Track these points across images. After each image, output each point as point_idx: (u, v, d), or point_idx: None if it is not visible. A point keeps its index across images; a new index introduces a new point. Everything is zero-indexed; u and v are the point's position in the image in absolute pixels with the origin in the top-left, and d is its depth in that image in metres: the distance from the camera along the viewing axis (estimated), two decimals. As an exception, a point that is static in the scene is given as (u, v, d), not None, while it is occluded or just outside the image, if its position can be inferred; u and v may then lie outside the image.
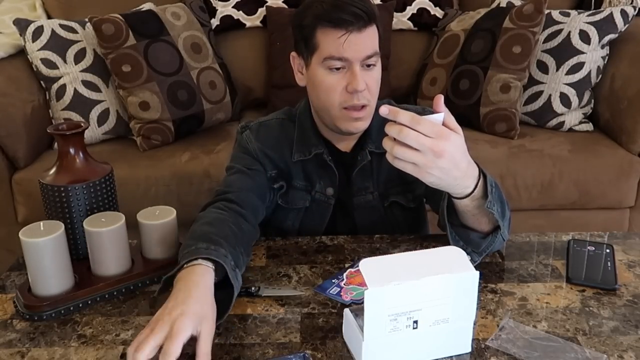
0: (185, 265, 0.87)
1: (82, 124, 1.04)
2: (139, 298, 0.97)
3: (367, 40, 1.04)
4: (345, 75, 1.05)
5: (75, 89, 2.00)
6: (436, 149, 0.80)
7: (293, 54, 1.13)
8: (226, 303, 0.88)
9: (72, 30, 2.06)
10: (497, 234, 0.98)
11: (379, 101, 1.18)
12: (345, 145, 1.18)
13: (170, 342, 0.74)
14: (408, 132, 0.80)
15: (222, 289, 0.88)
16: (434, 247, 0.83)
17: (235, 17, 2.38)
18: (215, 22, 2.35)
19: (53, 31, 2.02)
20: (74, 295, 0.94)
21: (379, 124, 1.18)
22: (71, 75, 2.01)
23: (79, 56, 2.03)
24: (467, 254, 0.96)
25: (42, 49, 1.99)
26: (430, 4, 2.40)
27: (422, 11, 2.40)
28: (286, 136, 1.19)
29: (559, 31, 2.10)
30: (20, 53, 2.05)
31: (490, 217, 0.96)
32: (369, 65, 1.06)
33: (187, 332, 0.75)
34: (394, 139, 0.81)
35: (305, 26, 1.06)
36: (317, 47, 1.06)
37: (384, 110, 0.80)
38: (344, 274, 1.01)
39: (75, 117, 1.99)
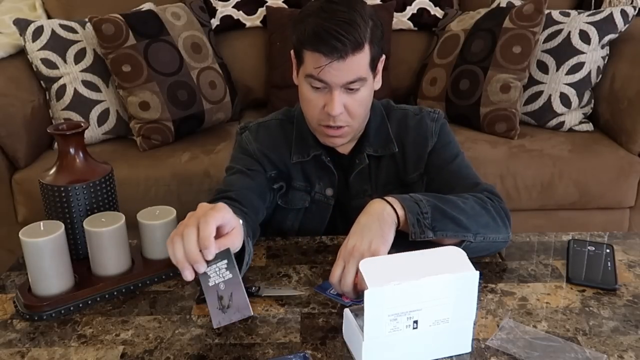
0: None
1: (82, 124, 1.04)
2: (139, 298, 0.97)
3: (351, 66, 1.01)
4: (325, 95, 1.05)
5: (75, 89, 2.00)
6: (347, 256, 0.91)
7: (292, 52, 1.13)
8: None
9: (72, 30, 2.06)
10: (462, 244, 0.97)
11: (378, 101, 1.18)
12: (344, 148, 1.18)
13: (204, 224, 0.78)
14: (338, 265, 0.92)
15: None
16: (434, 247, 0.84)
17: (235, 17, 2.38)
18: (215, 22, 2.35)
19: (53, 31, 2.02)
20: (74, 295, 0.94)
21: (376, 127, 1.18)
22: (71, 75, 2.01)
23: (79, 56, 2.03)
24: None
25: (42, 49, 1.99)
26: (430, 4, 2.40)
27: (422, 11, 2.40)
28: (285, 137, 1.19)
29: (559, 31, 2.10)
30: (20, 53, 2.05)
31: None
32: (352, 89, 1.04)
33: (215, 221, 0.79)
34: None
35: (293, 41, 1.06)
36: (303, 62, 1.05)
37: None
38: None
39: (75, 117, 1.99)
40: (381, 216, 0.95)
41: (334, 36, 0.98)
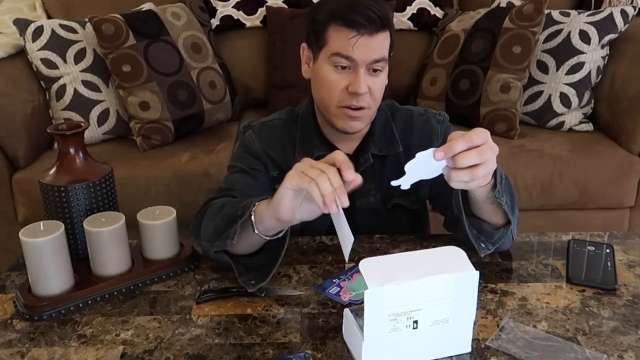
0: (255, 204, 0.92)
1: (82, 124, 1.04)
2: (139, 298, 0.97)
3: (376, 44, 1.03)
4: (349, 75, 1.05)
5: (75, 89, 2.00)
6: (491, 145, 0.82)
7: (303, 45, 1.13)
8: (269, 265, 0.96)
9: (72, 30, 2.06)
10: (509, 227, 1.00)
11: (382, 102, 1.18)
12: (348, 147, 1.18)
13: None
14: (484, 150, 0.80)
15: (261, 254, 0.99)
16: (434, 247, 0.84)
17: (235, 17, 2.38)
18: (215, 22, 2.35)
19: (53, 31, 2.02)
20: (74, 295, 0.94)
21: (381, 126, 1.18)
22: (71, 75, 2.01)
23: (79, 56, 2.03)
24: (482, 242, 0.99)
25: (42, 49, 1.99)
26: (430, 4, 2.40)
27: (422, 11, 2.40)
28: (289, 137, 1.19)
29: (559, 31, 2.10)
30: (20, 53, 2.05)
31: (501, 208, 0.96)
32: (375, 70, 1.06)
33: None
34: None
35: (318, 20, 1.07)
36: (326, 42, 1.06)
37: (440, 155, 0.80)
38: (352, 274, 1.01)
39: (75, 117, 1.99)
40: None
41: (368, 8, 1.01)
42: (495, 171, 0.91)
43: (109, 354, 0.83)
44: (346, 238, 0.82)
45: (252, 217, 0.92)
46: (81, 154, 1.04)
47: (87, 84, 2.03)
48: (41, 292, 0.93)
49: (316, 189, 0.80)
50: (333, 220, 0.83)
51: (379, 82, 1.08)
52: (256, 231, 0.92)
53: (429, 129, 1.19)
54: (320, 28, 1.06)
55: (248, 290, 0.94)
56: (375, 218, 1.20)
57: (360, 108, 1.07)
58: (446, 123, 1.20)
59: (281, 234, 0.95)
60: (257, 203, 0.93)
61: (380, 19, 1.02)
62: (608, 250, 1.06)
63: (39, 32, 2.00)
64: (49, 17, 2.32)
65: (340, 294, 0.96)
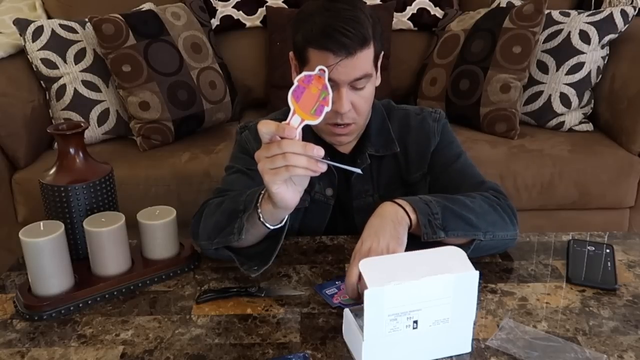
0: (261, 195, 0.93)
1: (82, 124, 1.04)
2: (139, 298, 0.97)
3: (357, 63, 1.01)
4: (332, 94, 1.05)
5: (75, 89, 2.00)
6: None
7: (291, 54, 1.13)
8: (271, 250, 0.96)
9: (72, 30, 2.06)
10: (473, 243, 0.99)
11: (378, 101, 1.18)
12: (345, 148, 1.18)
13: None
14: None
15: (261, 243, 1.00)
16: (433, 247, 0.84)
17: (235, 17, 2.38)
18: (215, 22, 2.35)
19: (53, 31, 2.02)
20: (74, 295, 0.94)
21: (377, 127, 1.18)
22: (71, 75, 2.01)
23: (79, 56, 2.03)
24: None
25: (42, 49, 1.99)
26: (430, 4, 2.40)
27: (422, 11, 2.40)
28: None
29: (559, 31, 2.10)
30: (20, 53, 2.05)
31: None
32: (358, 87, 1.05)
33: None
34: None
35: (297, 41, 1.05)
36: (307, 62, 1.04)
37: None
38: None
39: (75, 117, 1.99)
40: (395, 218, 0.96)
41: (342, 33, 0.98)
42: (417, 215, 0.96)
43: (109, 354, 0.83)
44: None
45: (259, 212, 0.93)
46: (81, 154, 1.04)
47: (87, 84, 2.03)
48: (41, 292, 0.93)
49: (298, 170, 0.81)
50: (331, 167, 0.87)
51: (364, 96, 1.06)
52: (264, 222, 0.93)
53: (425, 128, 1.19)
54: (300, 47, 1.05)
55: (251, 275, 0.95)
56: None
57: (347, 124, 1.08)
58: (443, 120, 1.20)
59: (283, 222, 0.96)
60: (260, 199, 0.93)
61: (357, 42, 0.99)
62: (608, 250, 1.06)
63: (39, 32, 2.00)
64: (49, 17, 2.32)
65: (335, 295, 0.95)
